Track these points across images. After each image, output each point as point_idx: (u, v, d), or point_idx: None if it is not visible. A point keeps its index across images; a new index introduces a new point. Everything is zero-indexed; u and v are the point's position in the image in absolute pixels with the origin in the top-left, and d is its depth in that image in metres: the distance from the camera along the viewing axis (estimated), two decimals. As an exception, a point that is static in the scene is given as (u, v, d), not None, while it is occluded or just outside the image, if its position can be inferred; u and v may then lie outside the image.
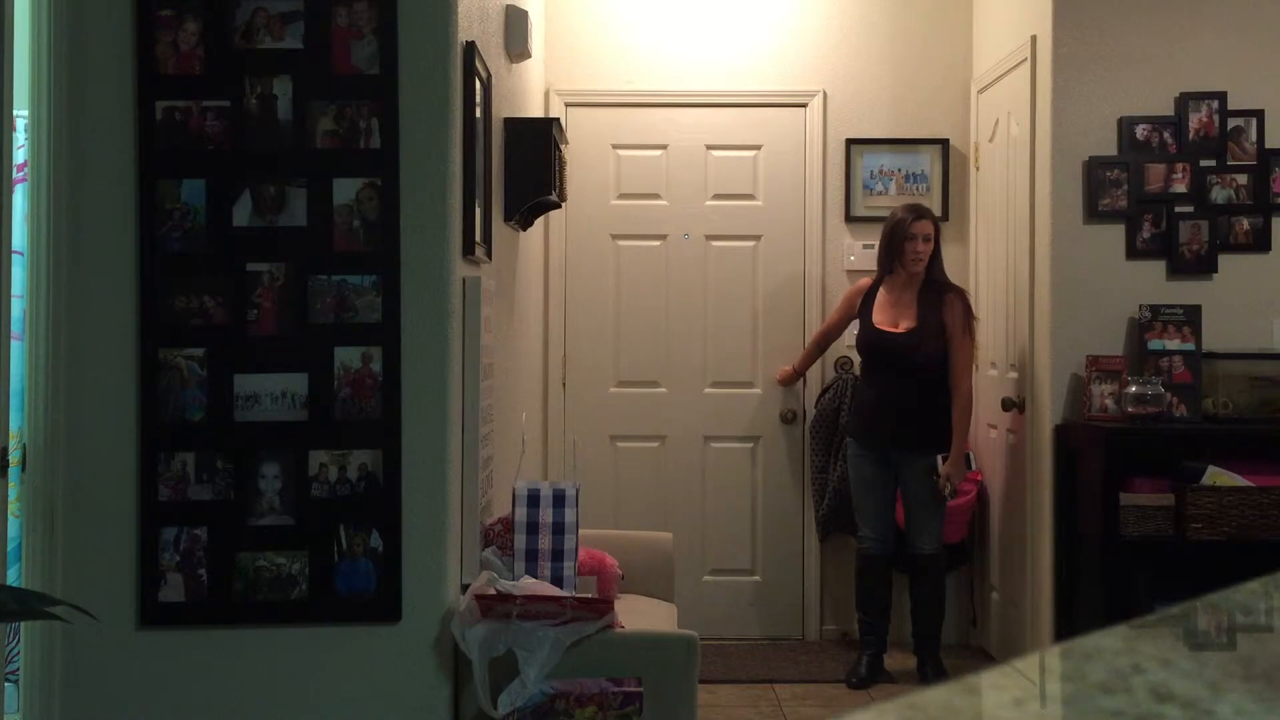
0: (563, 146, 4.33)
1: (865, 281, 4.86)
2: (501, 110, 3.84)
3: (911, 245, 4.61)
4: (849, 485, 5.16)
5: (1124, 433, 4.16)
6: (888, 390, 4.66)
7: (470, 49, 3.12)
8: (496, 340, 3.57)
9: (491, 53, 3.60)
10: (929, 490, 4.64)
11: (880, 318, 4.68)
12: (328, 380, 2.85)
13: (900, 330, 4.63)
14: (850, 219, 5.41)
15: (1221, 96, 4.44)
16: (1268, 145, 4.45)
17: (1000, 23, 5.04)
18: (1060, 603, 4.37)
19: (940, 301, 4.62)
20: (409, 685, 2.88)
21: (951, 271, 5.17)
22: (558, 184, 4.14)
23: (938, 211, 5.38)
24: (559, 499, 3.18)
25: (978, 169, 5.32)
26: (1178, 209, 4.45)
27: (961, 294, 4.72)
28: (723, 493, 5.45)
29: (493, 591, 2.85)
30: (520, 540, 3.15)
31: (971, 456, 5.06)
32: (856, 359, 5.34)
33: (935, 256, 4.68)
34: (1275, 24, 4.47)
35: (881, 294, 4.73)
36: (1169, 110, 4.47)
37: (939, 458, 4.64)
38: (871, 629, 4.75)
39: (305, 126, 2.85)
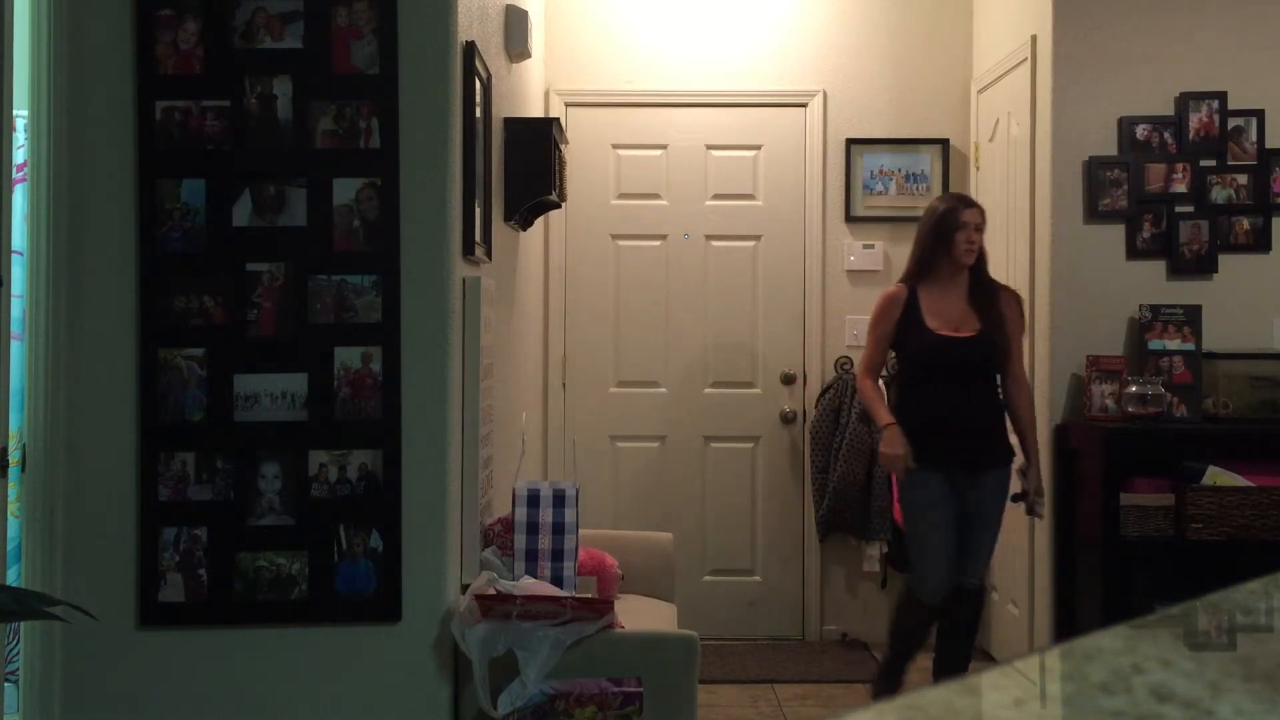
0: (563, 146, 4.33)
1: (895, 291, 4.14)
2: (501, 110, 3.83)
3: (964, 235, 4.04)
4: (853, 491, 5.15)
5: (1124, 433, 4.16)
6: (960, 402, 4.01)
7: (470, 49, 3.12)
8: (496, 340, 3.56)
9: (491, 53, 3.60)
10: (1000, 511, 4.05)
11: (936, 323, 4.04)
12: (328, 380, 2.85)
13: (968, 335, 4.01)
14: (850, 219, 5.41)
15: (1221, 96, 4.45)
16: (1268, 145, 4.45)
17: (1000, 23, 5.04)
18: (1060, 603, 4.37)
19: (997, 299, 4.09)
20: (409, 685, 2.88)
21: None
22: (558, 184, 4.14)
23: (938, 211, 5.38)
24: (559, 499, 3.17)
25: (978, 169, 5.32)
26: (1178, 209, 4.45)
27: (1014, 291, 4.23)
28: (723, 493, 5.45)
29: (493, 591, 2.84)
30: (520, 540, 3.15)
31: None
32: (858, 358, 5.34)
33: (983, 251, 4.12)
34: (1275, 24, 4.48)
35: (925, 298, 4.07)
36: (1169, 110, 4.47)
37: (1016, 470, 4.09)
38: (906, 668, 4.14)
39: (305, 126, 2.85)
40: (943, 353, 4.02)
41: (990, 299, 4.08)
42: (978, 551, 4.04)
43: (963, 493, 4.01)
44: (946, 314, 4.06)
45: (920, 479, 4.00)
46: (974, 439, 4.02)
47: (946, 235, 4.06)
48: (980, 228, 4.09)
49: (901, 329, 4.09)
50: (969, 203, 4.14)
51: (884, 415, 4.09)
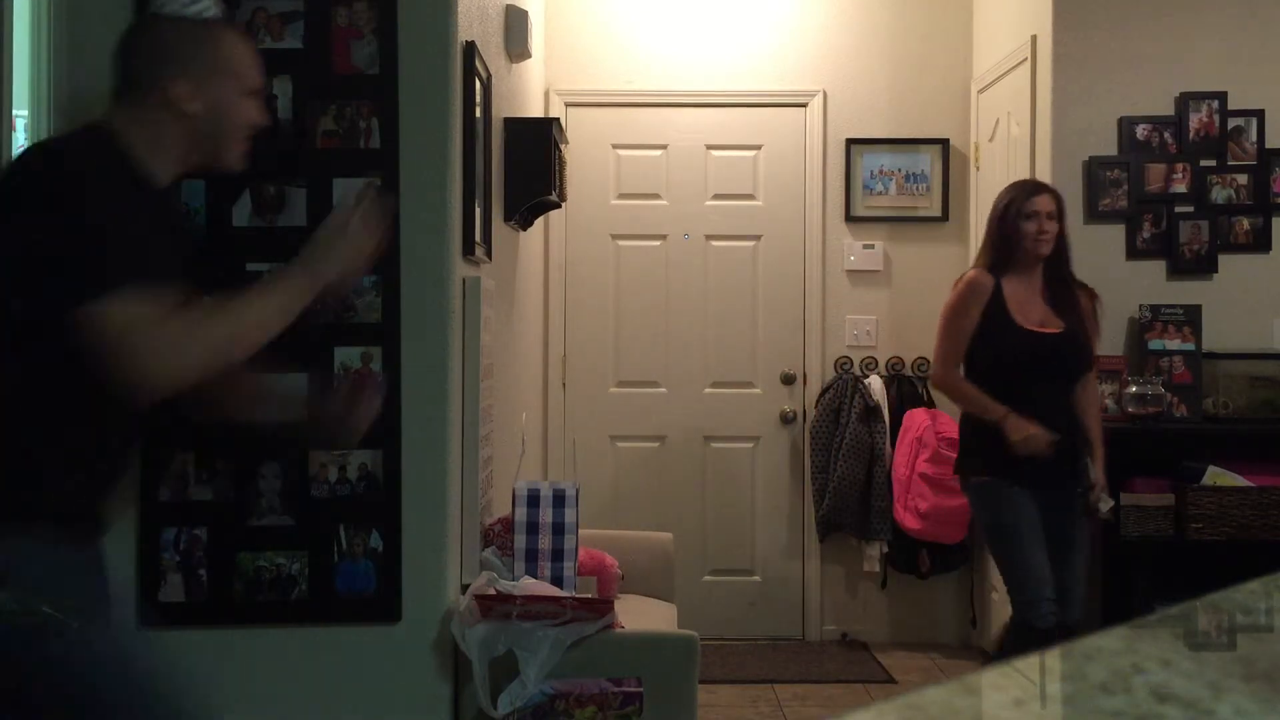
0: (563, 146, 4.33)
1: (978, 276, 3.74)
2: (501, 110, 3.83)
3: (1034, 224, 3.66)
4: (853, 491, 5.15)
5: (1124, 433, 4.15)
6: (1054, 407, 3.64)
7: (470, 49, 3.11)
8: (496, 340, 3.56)
9: (491, 53, 3.60)
10: (1082, 521, 3.71)
11: (1023, 318, 3.68)
12: (328, 380, 2.85)
13: (1056, 331, 3.68)
14: (850, 219, 5.41)
15: (1221, 96, 4.45)
16: (1268, 145, 4.46)
17: (1000, 23, 5.05)
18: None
19: (1074, 294, 3.76)
20: (409, 685, 2.88)
21: (951, 272, 5.17)
22: (558, 184, 4.14)
23: (937, 211, 5.38)
24: (559, 499, 3.18)
25: (978, 169, 5.32)
26: (1178, 209, 4.45)
27: (1091, 289, 3.86)
28: (723, 493, 5.45)
29: (493, 591, 2.85)
30: (520, 540, 3.15)
31: None
32: (858, 358, 5.35)
33: (1063, 242, 3.73)
34: (1275, 24, 4.48)
35: (1008, 290, 3.70)
36: (1169, 110, 4.47)
37: (1089, 464, 3.70)
38: None
39: (305, 126, 2.85)
40: (1033, 350, 3.65)
41: (1069, 295, 3.74)
42: (1073, 582, 3.67)
43: (1050, 511, 3.64)
44: (1029, 308, 3.70)
45: (1007, 496, 3.62)
46: (1067, 450, 3.64)
47: (1012, 226, 3.69)
48: (1054, 215, 3.69)
49: (987, 321, 3.69)
50: (1037, 188, 3.76)
51: (995, 405, 3.63)
